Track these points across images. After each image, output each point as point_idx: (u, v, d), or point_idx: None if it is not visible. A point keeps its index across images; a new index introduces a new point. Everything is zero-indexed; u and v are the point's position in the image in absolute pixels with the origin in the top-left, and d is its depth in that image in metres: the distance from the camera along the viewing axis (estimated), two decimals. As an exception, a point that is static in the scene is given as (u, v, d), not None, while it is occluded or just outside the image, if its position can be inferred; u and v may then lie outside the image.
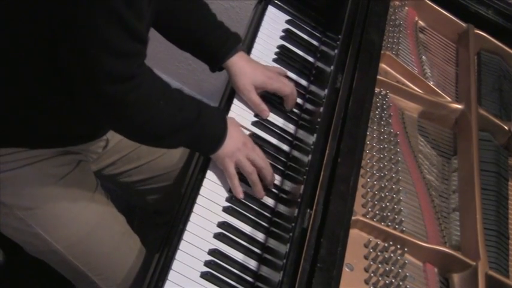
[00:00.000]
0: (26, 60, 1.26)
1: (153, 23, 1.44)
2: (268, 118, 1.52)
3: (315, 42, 1.72)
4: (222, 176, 1.39)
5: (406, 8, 1.75)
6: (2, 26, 1.25)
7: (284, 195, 1.40)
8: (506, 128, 1.56)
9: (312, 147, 1.32)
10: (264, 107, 1.51)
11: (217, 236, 1.31)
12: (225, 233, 1.32)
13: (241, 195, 1.37)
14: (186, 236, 1.28)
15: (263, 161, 1.39)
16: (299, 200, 1.24)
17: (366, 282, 1.22)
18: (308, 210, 1.19)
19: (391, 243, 1.27)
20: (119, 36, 1.16)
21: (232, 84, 1.52)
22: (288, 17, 1.72)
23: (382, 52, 1.52)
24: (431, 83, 1.61)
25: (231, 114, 1.48)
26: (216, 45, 1.49)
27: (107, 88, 1.20)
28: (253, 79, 1.49)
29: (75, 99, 1.27)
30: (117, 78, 1.20)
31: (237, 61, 1.50)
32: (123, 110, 1.25)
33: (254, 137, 1.47)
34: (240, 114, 1.49)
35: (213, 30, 1.50)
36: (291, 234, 1.20)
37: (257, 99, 1.50)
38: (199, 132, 1.33)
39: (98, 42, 1.15)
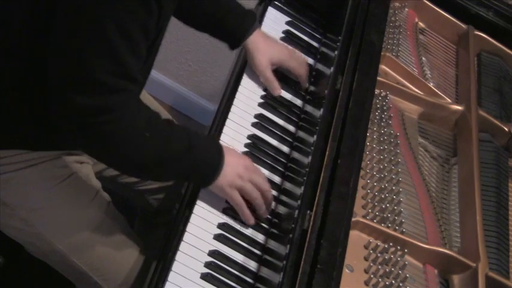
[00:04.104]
0: (29, 67, 1.26)
1: None
2: (268, 119, 1.52)
3: (315, 44, 1.72)
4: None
5: (406, 9, 1.76)
6: (5, 35, 1.26)
7: (284, 197, 1.40)
8: (506, 129, 1.56)
9: (312, 148, 1.32)
10: (276, 84, 1.53)
11: (218, 237, 1.31)
12: (225, 234, 1.32)
13: (252, 222, 1.34)
14: (186, 237, 1.28)
15: (266, 184, 1.35)
16: (299, 201, 1.24)
17: (366, 283, 1.22)
18: (308, 212, 1.19)
19: (391, 244, 1.27)
20: (108, 71, 1.15)
21: (248, 61, 1.55)
22: (288, 18, 1.73)
23: (382, 53, 1.53)
24: (432, 84, 1.61)
25: (231, 116, 1.48)
26: (234, 25, 1.51)
27: (81, 117, 1.18)
28: (269, 56, 1.53)
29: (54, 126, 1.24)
30: (93, 110, 1.17)
31: (254, 38, 1.53)
32: (100, 142, 1.22)
33: (254, 138, 1.47)
34: (240, 116, 1.49)
35: (229, 11, 1.52)
36: (291, 235, 1.20)
37: (271, 76, 1.53)
38: (191, 164, 1.28)
39: (85, 72, 1.14)
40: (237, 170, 1.32)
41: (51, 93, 1.19)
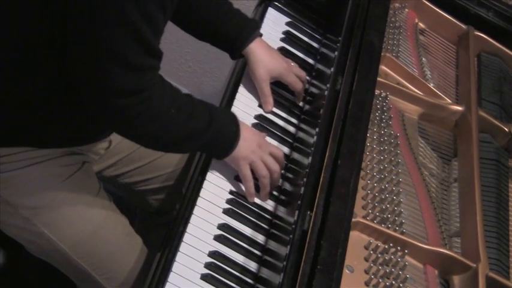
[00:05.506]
0: (37, 63, 1.26)
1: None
2: (268, 119, 1.52)
3: (315, 44, 1.72)
4: (223, 177, 1.39)
5: (406, 9, 1.76)
6: (15, 28, 1.25)
7: (284, 197, 1.41)
8: (506, 129, 1.56)
9: (312, 149, 1.32)
10: (270, 100, 1.53)
11: (218, 238, 1.31)
12: (226, 235, 1.32)
13: (253, 200, 1.38)
14: (186, 237, 1.29)
15: (276, 165, 1.40)
16: (299, 202, 1.24)
17: (366, 284, 1.22)
18: (308, 212, 1.19)
19: (391, 245, 1.27)
20: (134, 50, 1.16)
21: (248, 71, 1.55)
22: (288, 19, 1.73)
23: (382, 54, 1.53)
24: (432, 84, 1.61)
25: (231, 116, 1.48)
26: (234, 33, 1.51)
27: (114, 100, 1.20)
28: (270, 69, 1.53)
29: (83, 107, 1.26)
30: (126, 92, 1.20)
31: (255, 49, 1.52)
32: (131, 121, 1.25)
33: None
34: (240, 117, 1.49)
35: (229, 19, 1.51)
36: (291, 236, 1.20)
37: (268, 91, 1.53)
38: (211, 137, 1.33)
39: (112, 54, 1.15)
40: (251, 145, 1.37)
41: (84, 82, 1.20)
